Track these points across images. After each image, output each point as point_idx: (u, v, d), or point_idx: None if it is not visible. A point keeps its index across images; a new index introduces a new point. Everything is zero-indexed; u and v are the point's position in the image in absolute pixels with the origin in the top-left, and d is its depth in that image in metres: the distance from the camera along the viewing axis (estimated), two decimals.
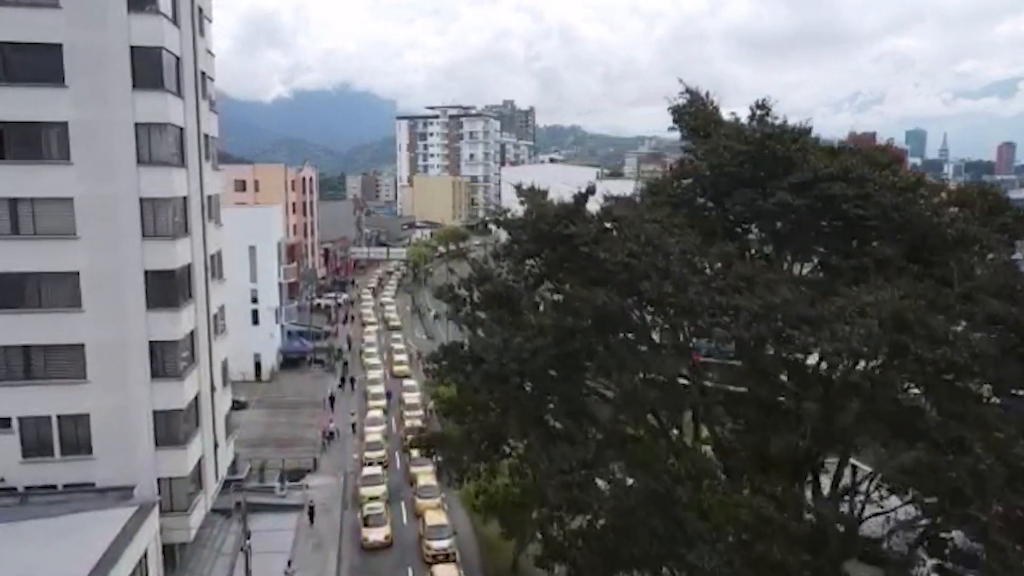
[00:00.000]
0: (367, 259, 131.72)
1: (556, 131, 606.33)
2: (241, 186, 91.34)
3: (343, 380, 66.18)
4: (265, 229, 67.22)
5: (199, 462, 32.28)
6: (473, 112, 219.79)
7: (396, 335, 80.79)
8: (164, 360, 29.46)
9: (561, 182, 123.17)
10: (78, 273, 28.29)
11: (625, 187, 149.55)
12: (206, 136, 34.53)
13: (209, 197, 34.84)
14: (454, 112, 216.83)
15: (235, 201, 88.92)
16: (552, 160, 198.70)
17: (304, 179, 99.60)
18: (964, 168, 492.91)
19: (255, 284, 65.91)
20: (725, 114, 24.59)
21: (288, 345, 70.41)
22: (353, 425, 52.77)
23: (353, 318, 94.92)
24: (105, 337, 28.63)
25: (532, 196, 23.25)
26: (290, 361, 70.13)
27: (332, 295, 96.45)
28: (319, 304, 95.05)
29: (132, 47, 27.83)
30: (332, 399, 56.48)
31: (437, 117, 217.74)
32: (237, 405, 56.73)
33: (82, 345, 28.63)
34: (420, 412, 54.24)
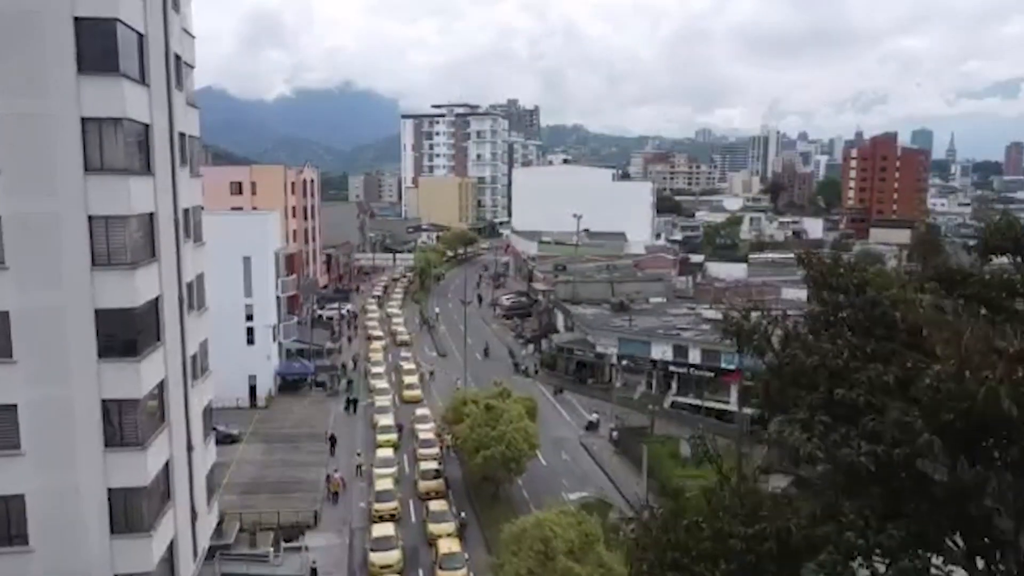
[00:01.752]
0: (372, 266, 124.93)
1: (559, 131, 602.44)
2: (237, 188, 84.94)
3: (348, 403, 59.75)
4: (261, 237, 60.61)
5: (171, 545, 25.67)
6: (480, 111, 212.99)
7: (405, 352, 74.07)
8: (122, 424, 22.87)
9: (577, 185, 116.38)
10: (7, 313, 21.70)
11: (640, 190, 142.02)
12: (182, 135, 27.94)
13: (186, 211, 28.24)
14: (461, 111, 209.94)
15: (231, 205, 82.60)
16: (565, 161, 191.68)
17: (305, 181, 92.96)
18: (972, 169, 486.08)
19: (250, 299, 59.39)
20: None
21: (287, 367, 63.79)
22: (359, 467, 46.09)
23: (357, 329, 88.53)
24: (44, 396, 22.05)
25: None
26: (289, 384, 63.50)
27: (335, 306, 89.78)
28: (321, 316, 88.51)
29: (76, 18, 21.21)
30: (333, 440, 49.22)
31: (443, 116, 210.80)
32: (228, 439, 50.35)
33: (13, 406, 22.04)
34: (435, 450, 47.66)
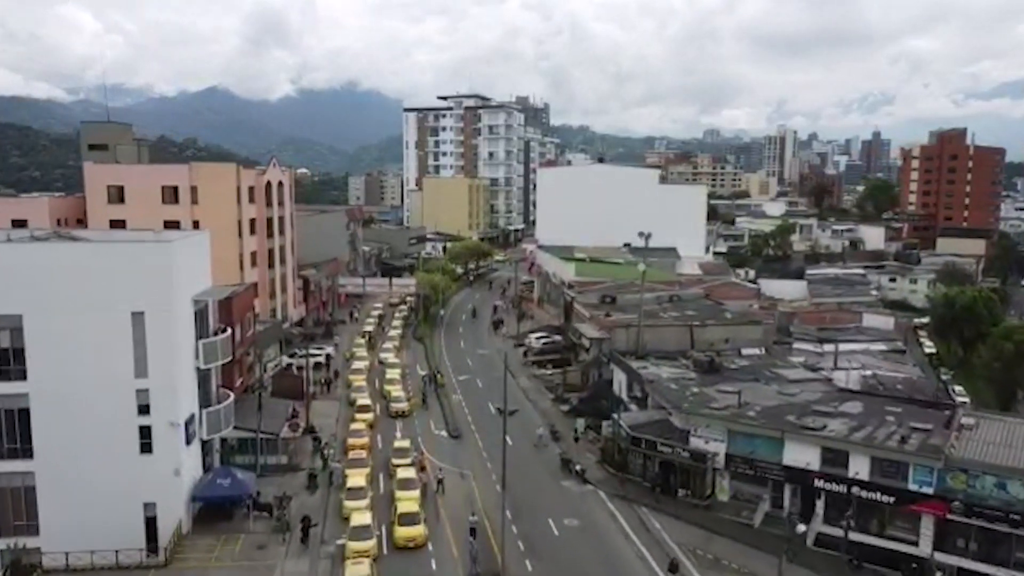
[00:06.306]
0: (363, 292, 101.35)
1: (565, 131, 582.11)
2: (171, 196, 61.66)
3: (304, 530, 37.06)
4: (164, 278, 36.91)
5: None
6: (493, 103, 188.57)
7: (401, 440, 50.45)
8: None
9: (615, 189, 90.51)
10: None
11: (691, 195, 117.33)
12: None
13: None
14: (471, 103, 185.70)
15: (164, 219, 59.50)
16: (600, 160, 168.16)
17: (270, 184, 69.57)
18: None
19: (144, 381, 35.94)
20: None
21: (211, 485, 39.89)
22: None
23: (338, 376, 65.49)
24: None
25: None
26: (214, 510, 40.01)
27: (303, 352, 65.78)
28: (289, 366, 65.19)
29: None
30: None
31: (451, 109, 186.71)
32: None
33: None
34: None
